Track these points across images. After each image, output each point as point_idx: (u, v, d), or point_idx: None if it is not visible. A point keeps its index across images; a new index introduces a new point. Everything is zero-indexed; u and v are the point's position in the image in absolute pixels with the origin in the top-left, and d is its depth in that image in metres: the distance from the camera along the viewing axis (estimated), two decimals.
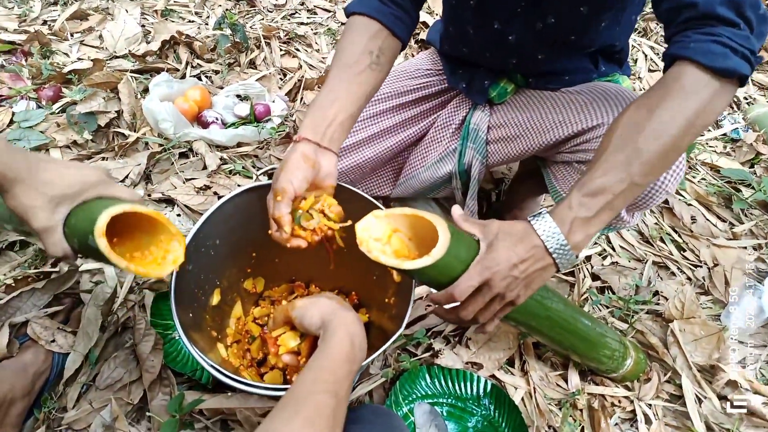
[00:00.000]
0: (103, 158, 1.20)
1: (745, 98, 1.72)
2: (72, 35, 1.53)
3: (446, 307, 0.64)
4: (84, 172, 0.60)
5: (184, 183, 1.17)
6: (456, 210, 0.67)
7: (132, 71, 1.41)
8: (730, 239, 1.25)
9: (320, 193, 0.74)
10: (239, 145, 1.31)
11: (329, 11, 1.90)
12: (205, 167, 1.22)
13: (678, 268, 1.20)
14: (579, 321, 0.83)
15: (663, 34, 0.65)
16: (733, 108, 1.69)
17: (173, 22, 1.68)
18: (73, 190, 0.58)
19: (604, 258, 1.22)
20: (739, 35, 0.60)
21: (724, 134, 1.58)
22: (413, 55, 1.70)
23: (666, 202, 1.34)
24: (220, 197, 1.17)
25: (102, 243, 0.54)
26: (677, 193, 1.36)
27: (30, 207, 0.55)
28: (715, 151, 1.53)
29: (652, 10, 0.70)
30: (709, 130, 1.60)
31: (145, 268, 0.59)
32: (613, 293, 1.11)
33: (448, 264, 0.59)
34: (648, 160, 0.60)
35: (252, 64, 1.59)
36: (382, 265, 0.59)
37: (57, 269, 0.95)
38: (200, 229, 0.74)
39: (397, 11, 0.81)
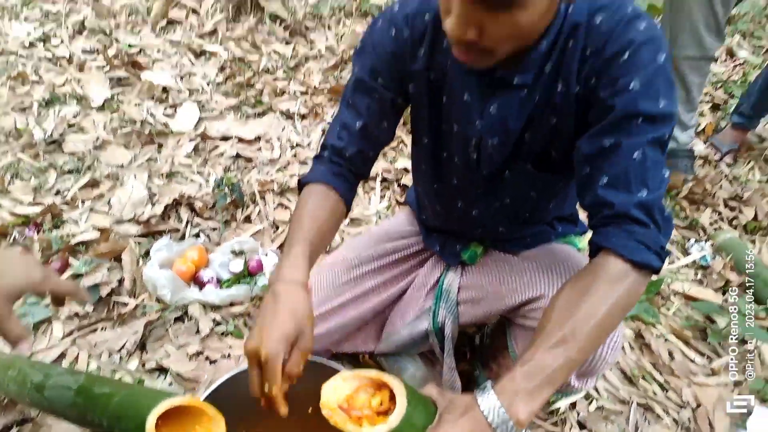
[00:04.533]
0: (102, 328, 1.27)
1: (711, 224, 1.83)
2: (83, 202, 1.69)
3: None
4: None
5: (177, 349, 1.24)
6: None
7: (135, 236, 1.54)
8: (710, 375, 1.28)
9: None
10: (232, 304, 1.39)
11: None
12: (198, 331, 1.29)
13: (664, 410, 1.22)
14: None
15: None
16: (700, 234, 1.79)
17: (177, 182, 1.85)
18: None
19: (590, 402, 1.24)
20: (650, 233, 0.70)
21: (694, 261, 1.66)
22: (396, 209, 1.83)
23: (642, 337, 1.38)
24: (212, 362, 1.23)
25: None
26: (653, 327, 1.41)
27: None
28: (687, 279, 1.60)
29: None
30: (678, 258, 1.69)
31: None
32: None
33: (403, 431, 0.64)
34: (582, 340, 0.67)
35: (248, 218, 1.73)
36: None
37: None
38: None
39: (348, 185, 0.90)
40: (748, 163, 2.18)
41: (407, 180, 1.94)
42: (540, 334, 0.69)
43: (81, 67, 2.31)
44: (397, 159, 2.05)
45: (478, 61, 0.69)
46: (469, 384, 1.20)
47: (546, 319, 0.71)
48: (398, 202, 1.89)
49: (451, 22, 0.64)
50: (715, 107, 2.54)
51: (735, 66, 2.88)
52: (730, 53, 2.95)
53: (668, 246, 1.71)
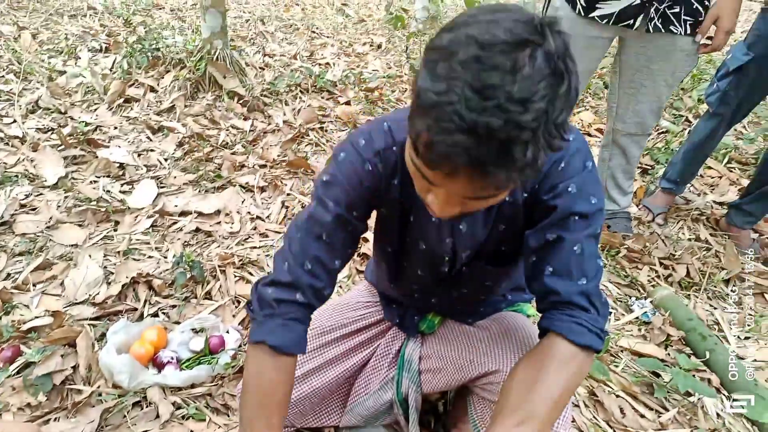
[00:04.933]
0: (56, 418, 1.22)
1: (649, 281, 1.98)
2: (35, 285, 1.64)
3: None
4: None
5: None
6: None
7: (90, 319, 1.51)
8: (659, 430, 1.35)
9: None
10: (193, 385, 1.36)
11: (279, 233, 2.12)
12: (158, 416, 1.26)
13: None
14: None
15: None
16: (640, 292, 1.93)
17: (135, 260, 1.83)
18: None
19: None
20: (591, 318, 0.79)
21: (637, 318, 1.78)
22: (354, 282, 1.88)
23: (595, 395, 1.45)
24: None
25: None
26: (605, 384, 1.49)
27: None
28: (632, 335, 1.71)
29: None
30: (623, 315, 1.80)
31: None
32: None
33: None
34: (541, 419, 0.73)
35: (208, 294, 1.72)
36: None
37: None
38: None
39: (306, 329, 0.89)
40: (678, 223, 2.38)
41: (367, 249, 2.01)
42: (500, 414, 0.75)
43: (34, 147, 2.31)
44: None
45: (455, 217, 0.75)
46: None
47: (505, 398, 0.77)
48: (358, 271, 1.93)
49: (435, 203, 0.68)
50: (644, 172, 2.78)
51: (659, 134, 3.19)
52: None
53: (613, 304, 1.83)
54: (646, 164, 2.82)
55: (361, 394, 1.20)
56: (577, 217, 0.80)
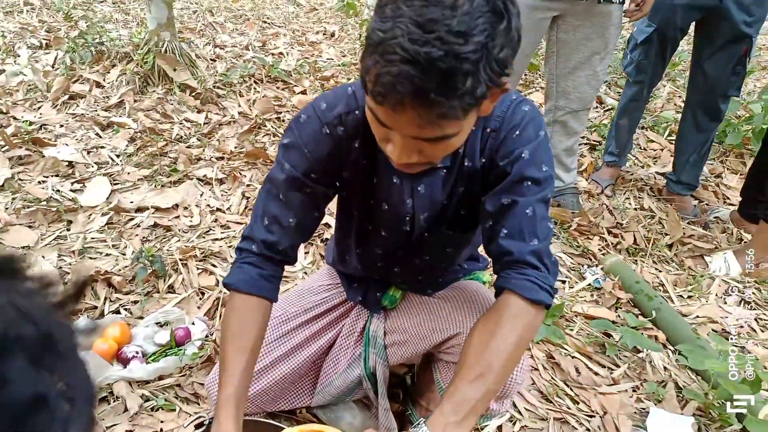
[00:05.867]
0: None
1: (599, 250, 2.08)
2: None
3: None
4: None
5: (105, 431, 1.19)
6: None
7: None
8: (611, 384, 1.44)
9: None
10: (161, 377, 1.36)
11: (241, 223, 2.11)
12: (126, 410, 1.25)
13: (577, 421, 1.35)
14: None
15: None
16: (591, 260, 2.03)
17: (91, 258, 1.79)
18: None
19: (514, 424, 1.35)
20: (542, 276, 0.85)
21: (589, 284, 1.88)
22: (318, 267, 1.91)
23: (553, 357, 1.53)
24: None
25: None
26: (561, 347, 1.57)
27: None
28: (585, 301, 1.80)
29: None
30: (577, 282, 1.90)
31: None
32: None
33: None
34: (497, 371, 0.79)
35: (171, 288, 1.71)
36: None
37: None
38: None
39: (276, 282, 0.95)
40: (625, 194, 2.51)
41: (329, 234, 2.03)
42: (460, 370, 0.81)
43: None
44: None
45: (416, 170, 0.80)
46: (404, 424, 1.26)
47: (464, 355, 0.83)
48: (322, 256, 1.96)
49: (393, 151, 0.73)
50: (592, 148, 2.91)
51: (605, 111, 3.33)
52: (600, 101, 3.42)
53: (567, 273, 1.92)
54: (593, 140, 2.94)
55: (330, 374, 1.23)
56: (529, 182, 0.85)
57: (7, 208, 1.94)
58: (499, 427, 1.32)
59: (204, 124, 2.71)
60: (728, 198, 2.54)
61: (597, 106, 3.39)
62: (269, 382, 1.17)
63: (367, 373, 1.19)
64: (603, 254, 2.05)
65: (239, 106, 2.92)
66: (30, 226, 1.88)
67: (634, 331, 1.56)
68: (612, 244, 2.13)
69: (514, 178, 0.85)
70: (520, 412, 1.37)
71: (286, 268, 1.00)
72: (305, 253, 1.94)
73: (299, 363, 1.20)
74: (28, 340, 0.31)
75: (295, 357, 1.20)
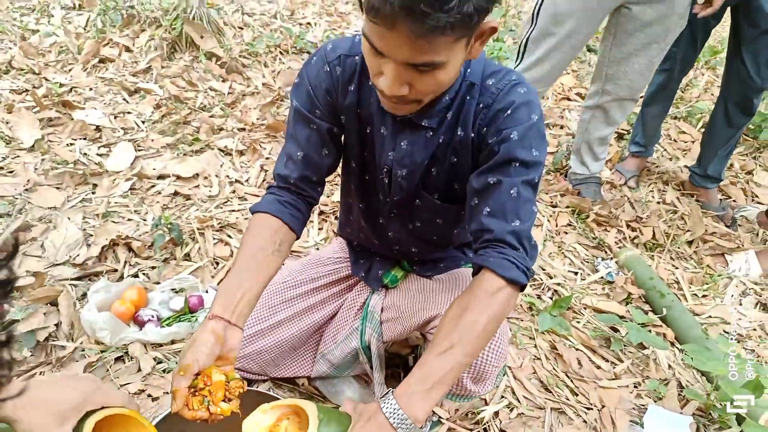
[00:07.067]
0: (41, 372, 1.27)
1: (616, 243, 2.06)
2: None
3: None
4: (79, 384, 0.66)
5: (119, 389, 1.26)
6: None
7: (72, 279, 1.54)
8: (613, 379, 1.45)
9: (223, 363, 0.84)
10: (173, 341, 1.42)
11: (258, 196, 2.15)
12: (139, 370, 1.32)
13: (574, 413, 1.37)
14: None
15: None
16: (606, 253, 2.01)
17: (114, 222, 1.86)
18: (77, 402, 0.64)
19: (511, 410, 1.37)
20: (519, 256, 0.86)
21: (602, 278, 1.86)
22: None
23: (556, 348, 1.54)
24: (154, 399, 1.27)
25: None
26: (566, 338, 1.58)
27: (40, 426, 0.59)
28: (595, 294, 1.79)
29: None
30: (590, 275, 1.89)
31: None
32: None
33: None
34: (467, 345, 0.81)
35: (187, 256, 1.76)
36: None
37: None
38: None
39: (294, 211, 1.01)
40: (649, 186, 2.45)
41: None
42: (432, 344, 0.83)
43: (9, 108, 2.28)
44: (333, 192, 2.16)
45: (405, 110, 0.84)
46: None
47: (438, 330, 0.85)
48: (335, 233, 1.98)
49: (385, 81, 0.76)
50: (619, 137, 2.83)
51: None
52: None
53: (580, 264, 1.90)
54: (622, 129, 2.86)
55: (329, 343, 1.28)
56: (517, 164, 0.86)
57: (36, 169, 2.01)
58: (496, 413, 1.35)
59: (228, 93, 2.73)
60: (757, 196, 2.47)
61: None
62: (270, 343, 1.22)
63: (362, 346, 1.23)
64: (619, 247, 2.03)
65: (263, 77, 2.93)
66: (57, 188, 1.95)
67: (641, 327, 1.56)
68: (629, 237, 2.10)
69: (502, 158, 0.86)
70: (518, 400, 1.39)
71: (300, 242, 1.04)
72: (319, 228, 1.97)
73: (301, 329, 1.25)
74: None
75: (298, 322, 1.25)
